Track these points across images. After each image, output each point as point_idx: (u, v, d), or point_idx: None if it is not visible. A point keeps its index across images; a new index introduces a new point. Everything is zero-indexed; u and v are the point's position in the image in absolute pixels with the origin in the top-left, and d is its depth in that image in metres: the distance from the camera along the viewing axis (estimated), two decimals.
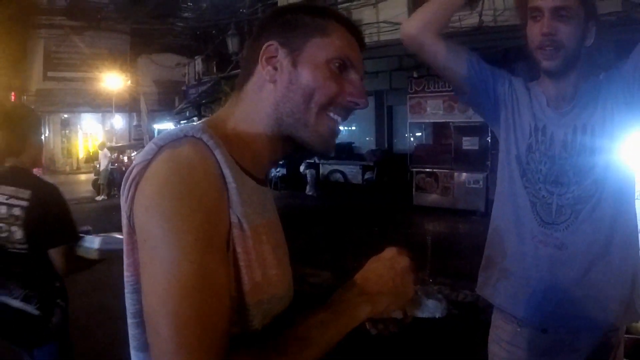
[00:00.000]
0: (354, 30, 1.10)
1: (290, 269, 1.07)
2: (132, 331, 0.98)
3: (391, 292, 1.03)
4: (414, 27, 1.88)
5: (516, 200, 1.87)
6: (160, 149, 0.91)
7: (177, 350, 0.80)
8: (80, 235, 2.41)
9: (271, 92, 1.04)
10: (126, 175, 0.93)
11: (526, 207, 1.84)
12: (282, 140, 1.06)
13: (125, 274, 0.96)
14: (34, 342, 2.39)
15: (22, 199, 2.31)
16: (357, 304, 0.99)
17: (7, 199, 2.32)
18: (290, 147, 1.08)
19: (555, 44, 1.69)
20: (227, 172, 0.92)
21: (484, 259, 2.03)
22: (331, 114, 1.05)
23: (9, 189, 2.33)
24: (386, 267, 1.06)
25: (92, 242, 2.36)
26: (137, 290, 0.93)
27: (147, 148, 0.94)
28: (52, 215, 2.33)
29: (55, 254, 2.34)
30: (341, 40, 1.05)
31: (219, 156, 0.92)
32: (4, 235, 2.31)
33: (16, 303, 2.33)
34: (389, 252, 1.08)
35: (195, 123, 1.01)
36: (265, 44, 1.04)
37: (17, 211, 2.30)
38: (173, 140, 0.92)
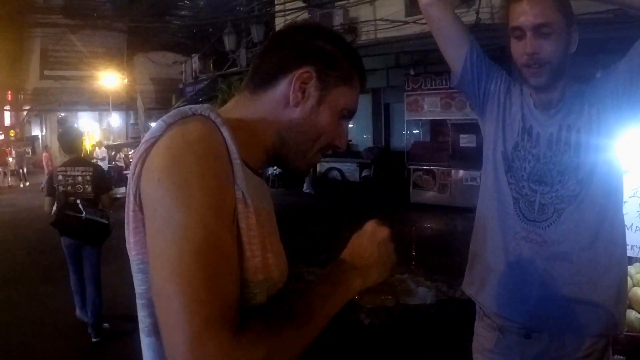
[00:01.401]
0: (363, 79, 1.17)
1: (285, 260, 1.09)
2: (139, 313, 0.99)
3: (377, 262, 1.11)
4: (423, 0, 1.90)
5: (500, 195, 1.87)
6: (169, 126, 0.93)
7: (191, 316, 0.78)
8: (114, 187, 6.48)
9: (289, 114, 1.08)
10: (134, 153, 0.95)
11: (509, 203, 1.84)
12: (272, 154, 1.11)
13: (131, 254, 0.97)
14: (101, 241, 5.11)
15: (88, 172, 5.06)
16: (349, 278, 1.05)
17: (82, 172, 5.04)
18: (272, 161, 1.14)
19: (540, 62, 1.70)
20: (232, 148, 0.94)
21: (469, 255, 2.03)
22: (322, 151, 1.15)
23: (81, 168, 5.07)
24: (369, 240, 1.13)
25: (118, 191, 7.76)
26: (144, 270, 0.94)
27: (155, 126, 0.96)
28: (101, 179, 5.27)
29: (104, 197, 5.21)
30: (355, 93, 1.14)
31: (225, 133, 0.95)
32: (81, 190, 5.00)
33: (100, 219, 4.97)
34: (369, 226, 1.16)
35: (200, 104, 1.03)
36: (303, 69, 1.07)
37: (87, 178, 5.04)
38: (182, 118, 0.95)
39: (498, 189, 1.88)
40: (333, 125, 1.11)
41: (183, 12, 21.96)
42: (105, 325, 5.23)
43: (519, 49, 1.73)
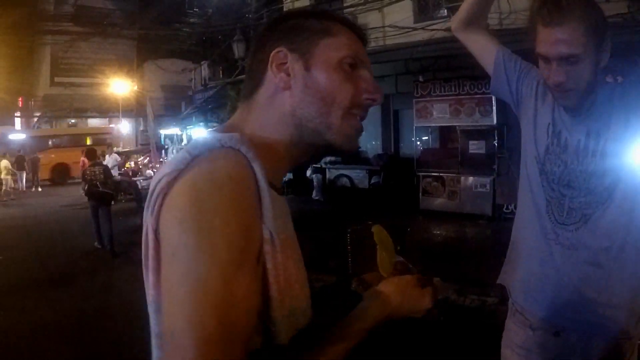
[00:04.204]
0: (355, 28, 1.10)
1: (307, 281, 1.04)
2: (154, 352, 0.95)
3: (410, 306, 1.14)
4: (453, 25, 2.11)
5: (534, 196, 1.91)
6: (194, 158, 0.87)
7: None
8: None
9: (286, 99, 1.02)
10: (153, 185, 0.89)
11: (542, 204, 1.87)
12: (303, 146, 1.05)
13: (150, 292, 0.91)
14: (109, 203, 9.85)
15: (101, 169, 9.97)
16: (379, 314, 1.08)
17: (98, 169, 9.84)
18: (310, 152, 1.08)
19: (566, 89, 1.68)
20: (263, 185, 0.89)
21: (507, 252, 2.08)
22: (355, 113, 1.05)
23: (97, 167, 9.95)
24: (407, 284, 1.16)
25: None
26: (162, 310, 0.87)
27: (178, 156, 0.90)
28: (107, 172, 10.06)
29: (109, 182, 10.04)
30: (348, 39, 1.06)
31: (257, 169, 0.89)
32: (97, 177, 9.60)
33: (107, 191, 9.75)
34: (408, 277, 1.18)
35: (228, 133, 0.95)
36: (274, 51, 1.03)
37: (101, 171, 9.80)
38: (209, 150, 0.89)
39: (533, 189, 1.92)
40: (340, 80, 1.02)
41: (192, 20, 22.06)
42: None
43: (545, 72, 1.72)
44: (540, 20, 1.65)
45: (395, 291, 1.13)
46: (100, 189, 9.52)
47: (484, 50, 2.05)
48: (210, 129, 1.05)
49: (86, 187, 9.75)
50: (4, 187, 19.12)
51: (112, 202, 10.02)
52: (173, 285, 0.81)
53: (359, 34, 1.10)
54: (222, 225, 0.80)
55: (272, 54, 1.03)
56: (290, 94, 1.02)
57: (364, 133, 1.00)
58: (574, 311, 1.81)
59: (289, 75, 1.02)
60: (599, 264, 1.77)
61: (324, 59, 1.02)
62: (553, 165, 1.85)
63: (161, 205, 0.86)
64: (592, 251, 1.77)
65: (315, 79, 1.01)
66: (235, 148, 0.90)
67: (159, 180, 0.88)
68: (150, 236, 0.88)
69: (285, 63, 1.02)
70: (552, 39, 1.62)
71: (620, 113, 1.74)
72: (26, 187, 22.09)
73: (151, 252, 0.88)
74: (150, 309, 0.92)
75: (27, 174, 22.26)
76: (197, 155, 0.88)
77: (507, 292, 2.06)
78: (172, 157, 0.94)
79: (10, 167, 19.62)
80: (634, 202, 1.75)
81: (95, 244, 9.87)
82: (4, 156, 20.05)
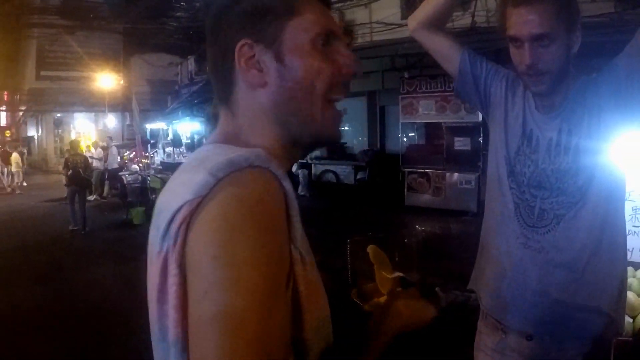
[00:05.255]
0: None
1: (322, 285, 0.97)
2: None
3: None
4: (410, 26, 2.03)
5: (503, 199, 1.86)
6: (218, 181, 0.78)
7: None
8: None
9: (264, 96, 0.93)
10: (169, 212, 0.80)
11: (510, 208, 1.83)
12: (293, 143, 0.97)
13: (174, 331, 0.80)
14: (86, 188, 12.52)
15: (82, 158, 11.91)
16: (393, 329, 1.09)
17: (78, 159, 11.71)
18: (300, 151, 1.00)
19: (539, 72, 1.65)
20: (294, 204, 0.83)
21: (477, 256, 2.04)
22: (333, 99, 0.96)
23: (78, 157, 11.85)
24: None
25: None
26: (190, 349, 0.77)
27: (199, 180, 0.79)
28: (86, 161, 12.16)
29: (89, 169, 12.63)
30: (314, 13, 0.95)
31: (287, 187, 0.83)
32: (81, 165, 11.53)
33: (86, 177, 11.96)
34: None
35: (253, 149, 0.85)
36: (238, 45, 0.92)
37: (81, 160, 11.73)
38: (235, 172, 0.79)
39: (501, 193, 1.87)
40: (315, 64, 0.92)
41: (179, 14, 21.93)
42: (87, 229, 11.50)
43: (517, 57, 1.69)
44: (511, 1, 1.64)
45: (403, 304, 1.14)
46: (82, 174, 11.48)
47: (448, 51, 1.99)
48: (214, 142, 0.95)
49: (69, 173, 11.32)
50: (16, 180, 20.50)
51: (89, 186, 13.13)
52: (208, 324, 0.73)
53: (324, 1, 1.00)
54: (259, 258, 0.74)
55: (236, 49, 0.92)
56: (267, 91, 0.93)
57: (349, 129, 0.98)
58: (546, 315, 1.76)
59: (260, 70, 0.92)
60: (570, 267, 1.73)
61: (294, 44, 0.92)
62: (523, 166, 1.80)
63: (185, 236, 0.78)
64: (565, 254, 1.73)
65: (289, 69, 0.92)
66: (264, 167, 0.82)
67: (179, 208, 0.79)
68: (174, 271, 0.79)
69: (253, 56, 0.92)
70: (523, 19, 1.61)
71: (593, 109, 1.71)
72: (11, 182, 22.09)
73: (174, 287, 0.79)
74: (174, 348, 0.81)
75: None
76: (221, 178, 0.79)
77: (478, 297, 2.01)
78: (186, 176, 0.83)
79: (20, 161, 20.73)
80: (608, 202, 1.71)
81: (70, 227, 11.45)
82: (15, 149, 21.60)
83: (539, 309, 1.77)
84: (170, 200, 0.82)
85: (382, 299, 2.09)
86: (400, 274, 2.20)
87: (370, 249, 2.16)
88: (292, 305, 0.82)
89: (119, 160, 18.06)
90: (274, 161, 0.85)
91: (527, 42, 1.62)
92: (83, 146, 15.53)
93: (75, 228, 11.40)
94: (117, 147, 19.34)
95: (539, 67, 1.64)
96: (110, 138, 19.41)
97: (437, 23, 1.98)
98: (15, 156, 20.68)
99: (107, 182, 17.21)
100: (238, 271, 0.73)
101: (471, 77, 1.95)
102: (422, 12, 1.98)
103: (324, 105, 0.94)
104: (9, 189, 20.09)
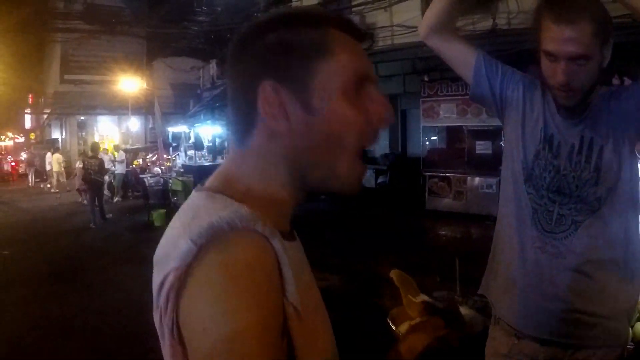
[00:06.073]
0: (350, 27, 0.90)
1: (329, 323, 0.94)
2: None
3: None
4: (421, 32, 1.97)
5: (518, 204, 1.84)
6: (200, 248, 0.75)
7: None
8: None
9: (285, 144, 0.86)
10: (159, 281, 0.78)
11: (527, 213, 1.81)
12: (307, 189, 0.91)
13: None
14: (100, 189, 13.51)
15: (97, 161, 13.15)
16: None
17: (95, 161, 13.01)
18: (314, 192, 0.94)
19: (572, 89, 1.63)
20: (284, 260, 0.79)
21: (489, 261, 2.02)
22: (361, 151, 0.88)
23: (94, 160, 13.06)
24: None
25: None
26: None
27: (182, 247, 0.76)
28: (101, 164, 13.35)
29: (103, 172, 13.83)
30: (348, 53, 0.86)
31: (277, 245, 0.79)
32: (95, 168, 12.77)
33: (99, 179, 13.16)
34: None
35: (234, 209, 0.80)
36: (260, 86, 0.84)
37: (97, 163, 12.99)
38: (219, 236, 0.75)
39: (517, 198, 1.85)
40: (347, 115, 0.84)
41: (201, 18, 22.10)
42: (109, 215, 13.51)
43: (549, 71, 1.66)
44: (551, 16, 1.60)
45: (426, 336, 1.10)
46: (93, 176, 12.70)
47: (462, 55, 1.95)
48: (210, 189, 0.89)
49: (83, 174, 13.21)
50: (54, 180, 20.56)
51: (102, 186, 13.91)
52: None
53: (358, 34, 0.91)
54: (250, 326, 0.71)
55: (259, 90, 0.84)
56: (289, 139, 0.85)
57: None
58: (560, 321, 1.75)
59: (286, 118, 0.84)
60: (587, 273, 1.72)
61: (324, 90, 0.84)
62: (543, 171, 1.78)
63: (176, 303, 0.76)
64: (581, 260, 1.72)
65: (318, 120, 0.83)
66: (250, 229, 0.77)
67: (166, 276, 0.77)
68: (166, 334, 0.78)
69: (278, 100, 0.84)
70: (563, 37, 1.56)
71: (616, 120, 1.69)
72: (34, 184, 22.59)
73: (169, 350, 0.79)
74: None
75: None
76: (203, 245, 0.75)
77: (490, 303, 2.00)
78: (173, 242, 0.80)
79: (62, 161, 20.79)
80: (626, 211, 1.71)
81: (91, 224, 12.48)
82: (57, 150, 21.79)
83: (553, 314, 1.76)
84: (165, 255, 0.80)
85: (413, 322, 2.10)
86: (427, 299, 2.20)
87: (393, 273, 2.15)
88: (288, 355, 0.78)
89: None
90: (260, 218, 0.79)
91: (564, 61, 1.59)
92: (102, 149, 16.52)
93: (94, 226, 12.39)
94: (138, 150, 19.55)
95: (572, 85, 1.62)
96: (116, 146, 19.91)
97: (446, 26, 1.93)
98: (57, 156, 20.69)
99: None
100: (230, 342, 0.70)
101: (486, 80, 1.92)
102: (428, 15, 1.94)
103: (350, 158, 0.86)
104: (56, 190, 19.94)
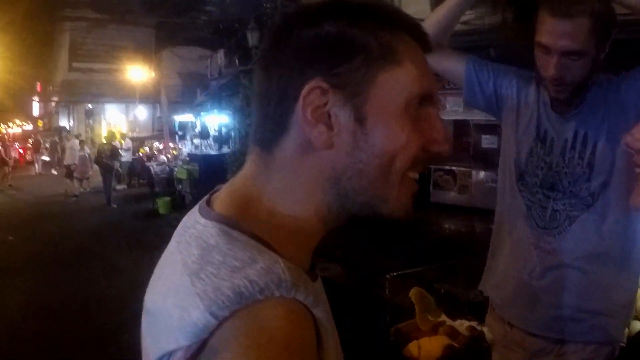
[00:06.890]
0: (420, 35, 0.76)
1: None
2: None
3: None
4: None
5: (513, 201, 1.86)
6: (221, 323, 0.59)
7: None
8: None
9: (325, 160, 0.70)
10: (160, 352, 0.64)
11: (521, 210, 1.82)
12: (343, 215, 0.75)
13: None
14: (111, 171, 14.47)
15: (109, 147, 14.76)
16: None
17: (107, 147, 14.69)
18: (350, 218, 0.76)
19: (564, 82, 1.61)
20: (327, 331, 0.68)
21: (488, 257, 2.04)
22: (411, 175, 0.74)
23: (107, 145, 14.76)
24: None
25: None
26: None
27: (194, 319, 0.60)
28: (115, 150, 15.02)
29: (115, 156, 15.11)
30: (416, 65, 0.72)
31: (318, 315, 0.66)
32: (107, 153, 14.22)
33: (109, 163, 14.26)
34: None
35: (264, 264, 0.63)
36: (307, 86, 0.68)
37: (109, 149, 14.53)
38: (248, 308, 0.59)
39: (511, 195, 1.87)
40: (405, 135, 0.70)
41: (209, 8, 22.07)
42: (114, 205, 13.88)
43: (542, 62, 1.64)
44: (549, 9, 1.57)
45: None
46: (104, 160, 13.98)
47: (452, 65, 1.93)
48: (220, 219, 0.68)
49: (96, 158, 14.58)
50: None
51: (113, 170, 14.67)
52: None
53: (426, 45, 0.77)
54: None
55: (303, 92, 0.68)
56: (333, 155, 0.70)
57: None
58: (550, 316, 1.77)
59: (330, 128, 0.69)
60: (580, 268, 1.72)
61: (385, 104, 0.69)
62: (536, 168, 1.78)
63: None
64: (575, 255, 1.72)
65: (370, 136, 0.69)
66: (286, 297, 0.61)
67: (171, 352, 0.61)
68: None
69: (325, 105, 0.69)
70: (558, 32, 1.54)
71: (611, 115, 1.67)
72: (43, 170, 22.65)
73: None
74: None
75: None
76: (226, 318, 0.59)
77: (488, 295, 2.03)
78: (175, 294, 0.64)
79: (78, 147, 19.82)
80: (621, 207, 1.69)
81: (113, 205, 13.86)
82: (76, 137, 20.88)
83: (545, 309, 1.78)
84: (166, 312, 0.65)
85: (422, 342, 2.09)
86: (450, 322, 2.17)
87: (412, 293, 2.13)
88: None
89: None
90: (301, 277, 0.65)
91: (557, 55, 1.57)
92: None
93: (115, 206, 13.83)
94: (144, 138, 19.59)
95: (565, 79, 1.61)
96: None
97: (440, 39, 1.87)
98: (75, 142, 19.52)
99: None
100: None
101: (478, 85, 1.91)
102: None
103: (400, 183, 0.73)
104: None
